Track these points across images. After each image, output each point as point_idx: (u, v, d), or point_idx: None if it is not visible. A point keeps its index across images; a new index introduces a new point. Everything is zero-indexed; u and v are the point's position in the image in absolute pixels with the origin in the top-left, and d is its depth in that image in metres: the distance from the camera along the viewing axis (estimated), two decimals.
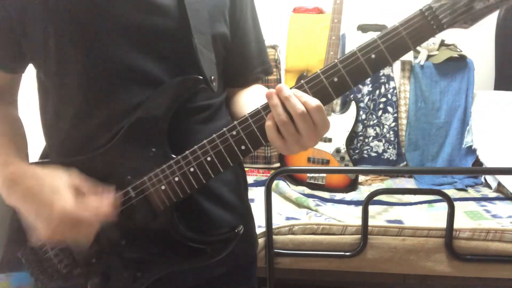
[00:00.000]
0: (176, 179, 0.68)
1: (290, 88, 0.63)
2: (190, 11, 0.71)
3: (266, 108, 0.65)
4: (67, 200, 0.63)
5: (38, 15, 0.68)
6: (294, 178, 2.15)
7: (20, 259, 0.76)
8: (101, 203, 0.66)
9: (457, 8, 0.61)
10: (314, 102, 0.61)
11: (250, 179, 2.23)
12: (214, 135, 0.67)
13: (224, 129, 0.66)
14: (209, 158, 0.67)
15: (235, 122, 0.66)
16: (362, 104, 2.24)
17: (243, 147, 0.66)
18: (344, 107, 2.18)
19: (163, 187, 0.69)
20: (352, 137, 2.24)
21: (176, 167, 0.68)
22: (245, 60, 0.86)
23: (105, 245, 0.72)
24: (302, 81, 0.64)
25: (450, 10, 0.61)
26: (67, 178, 0.66)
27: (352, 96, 2.24)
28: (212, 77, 0.73)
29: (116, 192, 0.69)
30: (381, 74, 2.25)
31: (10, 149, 0.73)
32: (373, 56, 0.63)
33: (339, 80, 0.63)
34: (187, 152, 0.68)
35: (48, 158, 0.79)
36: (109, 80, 0.71)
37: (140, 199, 0.69)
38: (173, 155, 0.69)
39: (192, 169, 0.68)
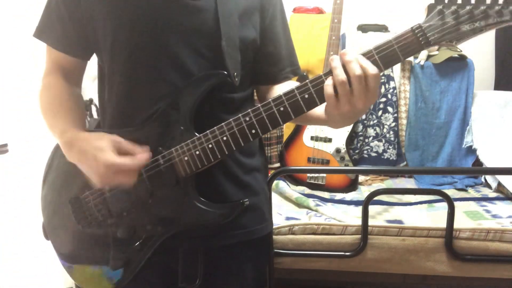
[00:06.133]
0: (197, 152, 0.82)
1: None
2: (221, 18, 0.85)
3: (276, 99, 0.78)
4: (108, 153, 0.80)
5: (102, 12, 0.85)
6: (294, 178, 2.15)
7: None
8: (137, 155, 0.81)
9: (444, 29, 0.71)
10: (373, 69, 0.72)
11: None
12: (231, 119, 0.81)
13: (240, 115, 0.80)
14: (225, 138, 0.81)
15: (249, 110, 0.79)
16: None
17: (253, 131, 0.80)
18: None
19: (186, 158, 0.83)
20: (352, 137, 2.24)
21: (198, 143, 0.82)
22: (275, 61, 0.98)
23: (135, 202, 0.87)
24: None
25: (438, 30, 0.72)
26: (110, 139, 0.82)
27: None
28: (235, 74, 0.87)
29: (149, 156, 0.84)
30: (381, 74, 2.25)
31: (69, 119, 0.90)
32: None
33: None
34: (208, 131, 0.82)
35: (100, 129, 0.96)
36: (152, 66, 0.85)
37: (167, 166, 0.84)
38: (196, 134, 0.83)
39: (210, 146, 0.82)
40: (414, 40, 0.72)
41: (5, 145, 1.69)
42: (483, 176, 2.15)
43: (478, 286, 1.49)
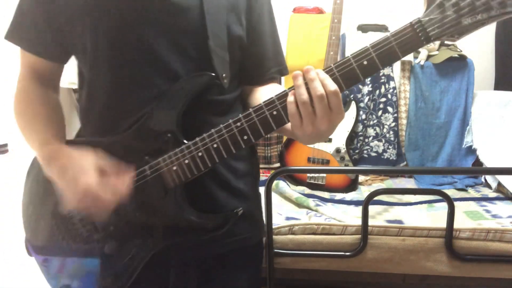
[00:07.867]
0: (186, 161, 0.78)
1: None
2: (208, 16, 0.80)
3: (269, 104, 0.73)
4: (91, 178, 0.75)
5: (80, 11, 0.79)
6: (294, 178, 2.15)
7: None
8: (119, 185, 0.77)
9: (445, 23, 0.67)
10: (332, 86, 0.68)
11: None
12: (221, 125, 0.76)
13: (230, 120, 0.76)
14: (215, 145, 0.77)
15: (240, 115, 0.75)
16: (362, 104, 2.24)
17: (245, 137, 0.75)
18: (344, 107, 2.16)
19: (174, 168, 0.79)
20: (352, 137, 2.24)
21: (187, 151, 0.78)
22: (261, 61, 0.93)
23: (122, 215, 0.83)
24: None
25: (438, 24, 0.67)
26: (94, 159, 0.78)
27: (352, 96, 2.24)
28: (224, 75, 0.83)
29: (134, 171, 0.80)
30: (381, 74, 2.25)
31: (50, 130, 0.84)
32: (365, 62, 0.70)
33: (335, 82, 0.72)
34: (197, 138, 0.78)
35: (82, 137, 0.91)
36: (136, 69, 0.80)
37: (155, 176, 0.80)
38: (185, 141, 0.79)
39: (200, 154, 0.78)
40: (414, 36, 0.68)
41: (5, 145, 1.69)
42: (483, 176, 2.15)
43: (478, 286, 1.49)
